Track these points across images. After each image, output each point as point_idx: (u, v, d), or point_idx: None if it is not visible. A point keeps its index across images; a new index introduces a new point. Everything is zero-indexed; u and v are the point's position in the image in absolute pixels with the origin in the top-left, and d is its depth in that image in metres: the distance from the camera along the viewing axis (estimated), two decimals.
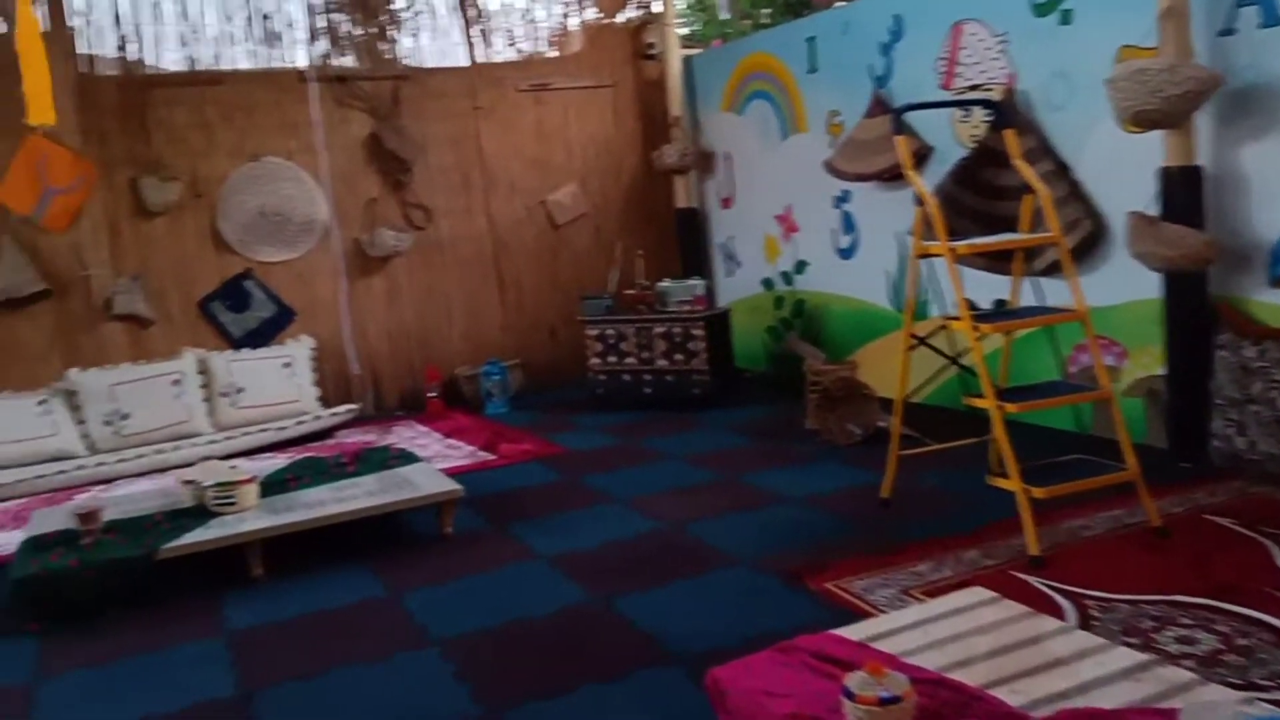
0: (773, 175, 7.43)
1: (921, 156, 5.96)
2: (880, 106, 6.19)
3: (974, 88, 5.60)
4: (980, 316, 3.79)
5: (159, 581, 3.96)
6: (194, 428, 6.69)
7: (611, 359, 6.98)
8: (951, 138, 5.75)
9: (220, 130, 7.14)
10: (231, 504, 4.29)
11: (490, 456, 5.92)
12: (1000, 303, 4.93)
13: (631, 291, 7.05)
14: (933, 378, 4.42)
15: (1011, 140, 4.11)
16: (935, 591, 3.40)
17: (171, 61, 7.08)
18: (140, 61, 6.95)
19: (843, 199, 6.74)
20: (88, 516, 4.02)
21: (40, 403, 6.45)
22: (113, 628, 3.73)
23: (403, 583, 3.94)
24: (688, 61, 8.25)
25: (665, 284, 7.04)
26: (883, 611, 3.26)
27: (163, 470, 6.23)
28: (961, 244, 3.75)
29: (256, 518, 4.21)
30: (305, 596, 3.89)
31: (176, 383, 6.73)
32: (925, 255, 3.90)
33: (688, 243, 8.26)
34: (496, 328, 8.12)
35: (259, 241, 7.29)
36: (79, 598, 3.80)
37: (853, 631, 2.63)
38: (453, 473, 5.35)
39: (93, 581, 3.81)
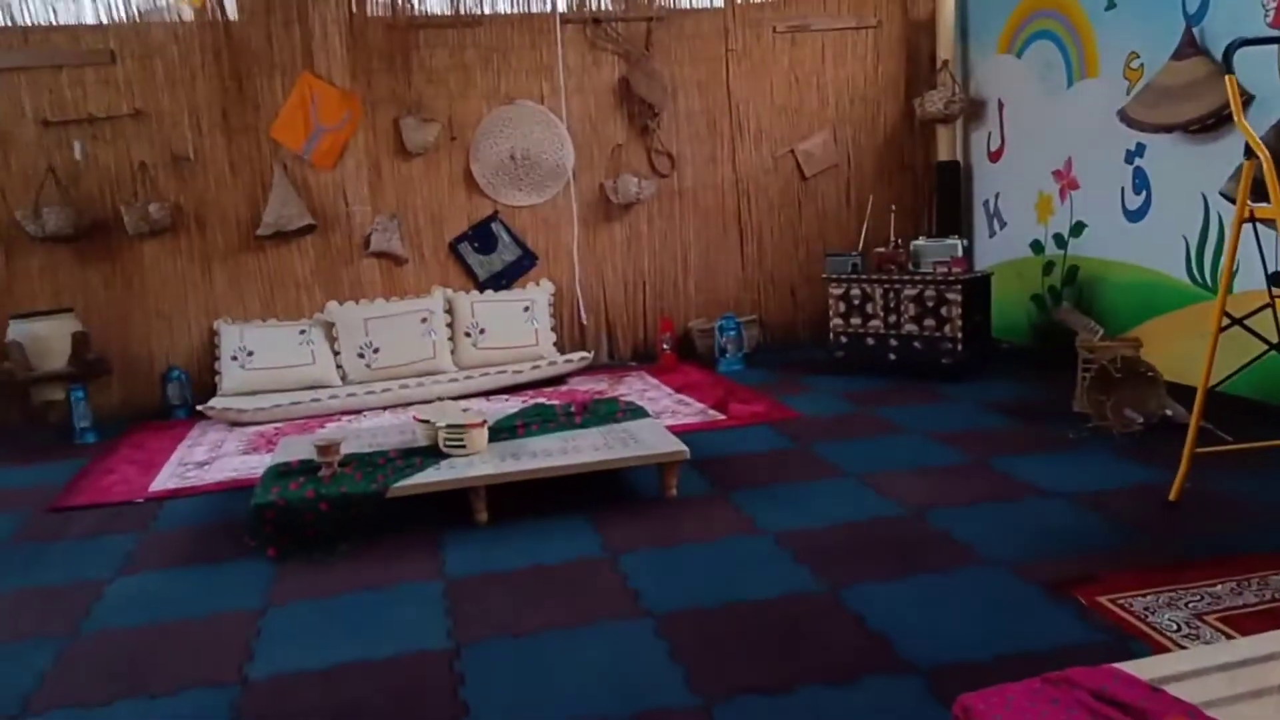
0: (1052, 125, 6.66)
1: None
2: (1192, 47, 5.34)
3: None
4: None
5: (388, 517, 4.00)
6: (438, 365, 6.86)
7: (855, 320, 6.54)
8: (1278, 82, 4.86)
9: (477, 72, 7.20)
10: (461, 446, 4.27)
11: (720, 416, 5.68)
12: None
13: (882, 249, 6.55)
14: (1247, 364, 3.73)
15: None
16: (1235, 620, 2.85)
17: (436, 3, 7.18)
18: (408, 2, 7.08)
19: (1136, 153, 5.92)
20: (327, 449, 4.10)
21: (301, 332, 6.80)
22: (342, 560, 3.78)
23: (621, 543, 3.77)
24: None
25: (920, 242, 6.50)
26: (1171, 640, 2.75)
27: (406, 405, 6.41)
28: None
29: (484, 463, 4.17)
30: (524, 546, 3.80)
31: (424, 320, 6.91)
32: (1253, 219, 3.24)
33: (947, 199, 7.60)
34: (734, 281, 7.84)
35: (507, 185, 7.34)
36: (313, 528, 3.88)
37: (1141, 668, 2.18)
38: (680, 431, 5.16)
39: (326, 514, 3.88)
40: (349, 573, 3.67)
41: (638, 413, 4.87)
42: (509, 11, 7.25)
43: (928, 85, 7.60)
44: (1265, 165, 3.08)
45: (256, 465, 5.15)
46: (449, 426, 4.27)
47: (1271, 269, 4.32)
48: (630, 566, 3.53)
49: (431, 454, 4.31)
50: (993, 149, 7.38)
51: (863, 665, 2.73)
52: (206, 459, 5.48)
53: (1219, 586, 3.08)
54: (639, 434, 4.49)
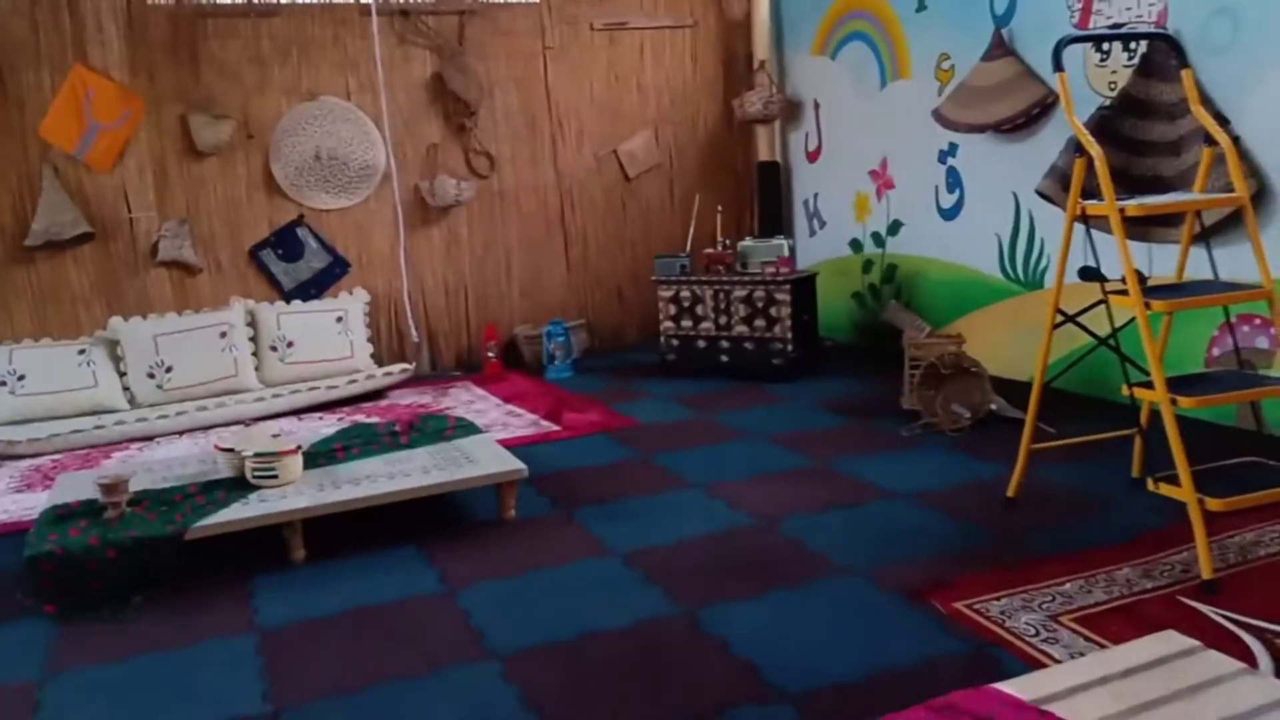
0: (868, 126, 6.78)
1: (1046, 106, 5.29)
2: (1001, 48, 5.51)
3: (1115, 27, 4.91)
4: (1150, 291, 3.17)
5: (189, 562, 3.54)
6: (240, 383, 6.30)
7: (685, 323, 6.43)
8: (1085, 84, 5.06)
9: (275, 66, 6.67)
10: (273, 477, 3.85)
11: (554, 427, 5.43)
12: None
13: (710, 250, 6.47)
14: (1078, 360, 3.80)
15: (1190, 83, 3.45)
16: (1091, 620, 2.84)
17: None
18: None
19: (949, 153, 6.08)
20: (112, 487, 3.60)
21: (80, 351, 6.10)
22: (135, 616, 3.31)
23: (458, 575, 3.47)
24: (776, 0, 7.57)
25: (747, 243, 6.45)
26: (1031, 644, 2.71)
27: (205, 428, 5.85)
28: (1132, 204, 3.12)
29: (299, 494, 3.76)
30: (348, 586, 3.44)
31: (223, 335, 6.33)
32: (1084, 217, 3.27)
33: (768, 199, 7.63)
34: (560, 285, 7.62)
35: (313, 187, 6.84)
36: (100, 580, 3.38)
37: (1023, 687, 2.09)
38: (513, 445, 4.89)
39: (115, 563, 3.39)
40: (144, 631, 3.21)
41: (468, 428, 4.56)
42: (308, 1, 6.76)
43: (746, 86, 7.61)
44: (1098, 163, 3.10)
45: (32, 506, 4.52)
46: (257, 455, 3.84)
47: (1089, 264, 4.48)
48: (471, 602, 3.24)
49: (238, 486, 3.86)
50: (810, 149, 7.46)
51: (732, 697, 2.55)
52: None
53: (1068, 585, 3.09)
54: (471, 452, 4.19)
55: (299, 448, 3.96)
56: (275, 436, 4.00)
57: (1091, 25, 5.05)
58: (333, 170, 6.83)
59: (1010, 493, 3.75)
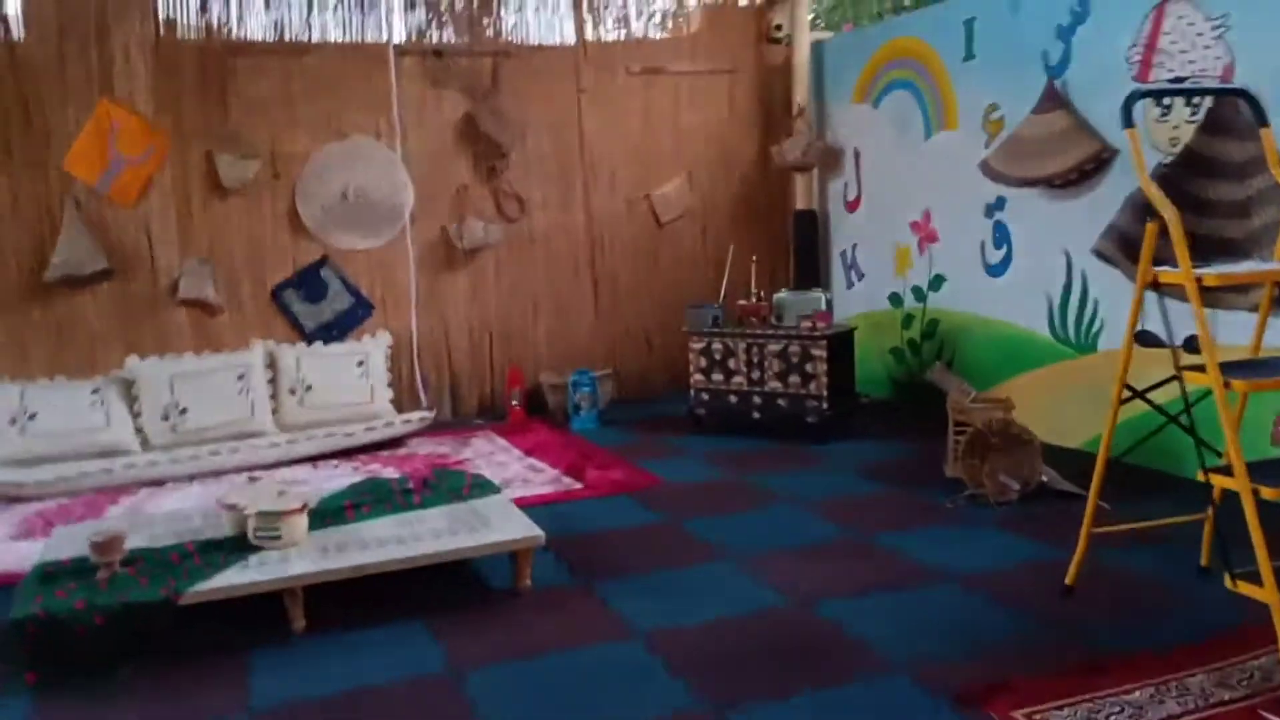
0: (910, 177, 6.55)
1: (1102, 161, 5.04)
2: (1053, 100, 5.27)
3: (1176, 80, 4.66)
4: (1228, 368, 2.89)
5: (183, 626, 3.31)
6: (256, 426, 6.11)
7: (717, 377, 6.18)
8: (1144, 139, 4.80)
9: (304, 105, 6.54)
10: (277, 537, 3.62)
11: (576, 485, 5.19)
12: (1190, 340, 4.00)
13: (744, 302, 6.24)
14: (1147, 438, 3.51)
15: (1270, 142, 3.19)
16: None
17: (256, 28, 6.50)
18: (223, 26, 6.38)
19: (997, 206, 5.83)
20: (105, 545, 3.39)
21: (94, 391, 5.93)
22: (122, 689, 3.08)
23: (465, 654, 3.22)
24: (817, 47, 7.40)
25: (783, 295, 6.22)
26: None
27: (217, 474, 5.65)
28: (1209, 273, 2.85)
29: (302, 557, 3.53)
30: (348, 663, 3.19)
31: (241, 377, 6.15)
32: (1156, 285, 3.01)
33: (804, 249, 7.40)
34: (587, 332, 7.40)
35: (339, 227, 6.69)
36: (86, 647, 3.16)
37: None
38: (532, 503, 4.65)
39: (102, 630, 3.16)
40: (130, 705, 2.98)
41: (486, 487, 4.32)
42: (340, 40, 6.65)
43: (784, 132, 7.41)
44: (1173, 228, 2.84)
45: (29, 555, 4.31)
46: (261, 514, 3.62)
47: (1146, 328, 4.21)
48: (478, 688, 2.98)
49: (239, 547, 3.64)
50: (850, 199, 7.23)
51: None
52: None
53: (1137, 693, 2.79)
54: (487, 514, 3.95)
55: (304, 506, 3.73)
56: (281, 494, 3.78)
57: (1153, 78, 4.80)
58: (360, 210, 6.68)
59: (1069, 580, 3.45)
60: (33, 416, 5.74)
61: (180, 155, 6.25)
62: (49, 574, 3.44)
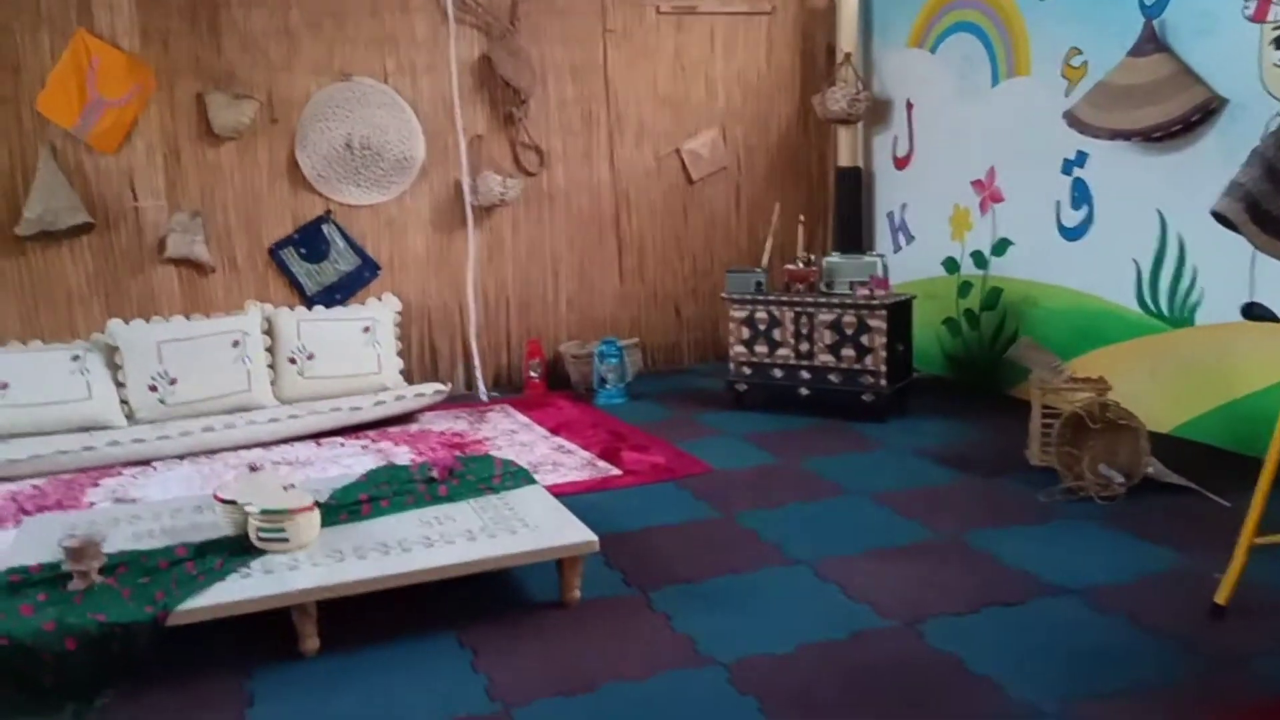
0: (972, 129, 5.96)
1: (1209, 111, 4.47)
2: (1153, 43, 4.68)
3: None
4: None
5: (172, 643, 2.78)
6: (253, 399, 5.55)
7: (760, 348, 5.62)
8: (1259, 86, 4.24)
9: (305, 40, 5.91)
10: (283, 540, 3.08)
11: (612, 470, 4.64)
12: None
13: (792, 267, 5.67)
14: None
15: None
16: None
17: None
18: None
19: (1076, 162, 5.26)
20: (80, 551, 2.84)
21: (74, 358, 5.35)
22: (95, 718, 2.56)
23: (511, 685, 2.69)
24: None
25: (833, 259, 5.65)
26: None
27: (211, 452, 5.10)
28: None
29: (313, 565, 2.99)
30: (371, 690, 2.68)
31: (236, 344, 5.58)
32: None
33: (847, 209, 6.83)
34: (612, 298, 6.83)
35: (342, 179, 6.08)
36: (56, 675, 2.62)
37: None
38: (566, 491, 4.13)
39: (74, 656, 2.62)
40: None
41: (519, 476, 3.77)
42: None
43: (826, 81, 6.80)
44: None
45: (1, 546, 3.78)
46: (264, 512, 3.07)
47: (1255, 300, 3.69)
48: None
49: (239, 550, 3.10)
50: (900, 155, 6.64)
51: None
52: None
53: None
54: (525, 511, 3.41)
55: (314, 504, 3.18)
56: (289, 489, 3.22)
57: (1272, 17, 4.21)
58: (365, 161, 6.07)
59: (1220, 599, 2.93)
60: (5, 387, 5.16)
61: (167, 95, 5.63)
62: (14, 583, 2.89)
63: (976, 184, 5.97)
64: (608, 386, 6.09)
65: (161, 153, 5.64)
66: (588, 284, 6.75)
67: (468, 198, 5.81)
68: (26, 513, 4.24)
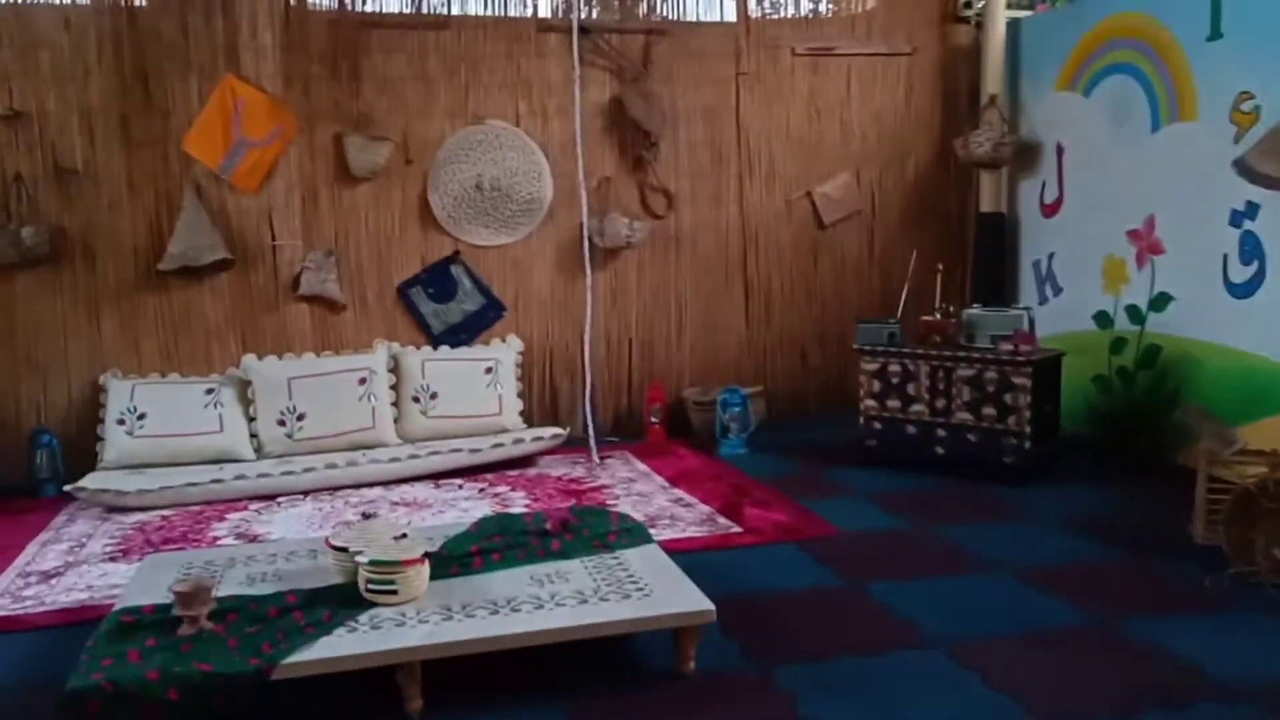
0: (1129, 176, 5.58)
1: None
2: None
3: None
4: None
5: (274, 698, 2.71)
6: (377, 436, 5.58)
7: (893, 403, 5.35)
8: None
9: (441, 85, 5.98)
10: (392, 592, 2.99)
11: (733, 527, 4.44)
12: None
13: (929, 318, 5.38)
14: None
15: None
16: None
17: None
18: None
19: (1246, 214, 4.84)
20: (190, 597, 2.81)
21: (209, 391, 5.49)
22: None
23: None
24: (1013, 25, 6.46)
25: (975, 311, 5.34)
26: None
27: (333, 489, 5.12)
28: None
29: (421, 621, 2.89)
30: None
31: (363, 381, 5.63)
32: None
33: (988, 258, 6.50)
34: (736, 343, 6.66)
35: (472, 220, 6.10)
36: None
37: None
38: (684, 548, 3.96)
39: (176, 705, 2.57)
40: None
41: (635, 533, 3.61)
42: (481, 13, 6.05)
43: (968, 124, 6.51)
44: None
45: (121, 582, 3.83)
46: (374, 563, 2.99)
47: None
48: None
49: (348, 601, 3.02)
50: (1047, 201, 6.28)
51: None
52: (59, 566, 4.14)
53: None
54: (640, 573, 3.24)
55: (425, 557, 3.09)
56: (400, 539, 3.14)
57: None
58: (495, 202, 6.08)
59: None
60: (142, 417, 5.32)
61: (306, 137, 5.76)
62: (125, 625, 2.88)
63: (1133, 234, 5.57)
64: (730, 436, 5.90)
65: (299, 193, 5.77)
66: (712, 328, 6.59)
67: (586, 240, 5.75)
68: (152, 545, 4.32)
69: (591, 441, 5.60)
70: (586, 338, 5.56)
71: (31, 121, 5.38)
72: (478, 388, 5.84)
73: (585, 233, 5.60)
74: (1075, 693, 2.84)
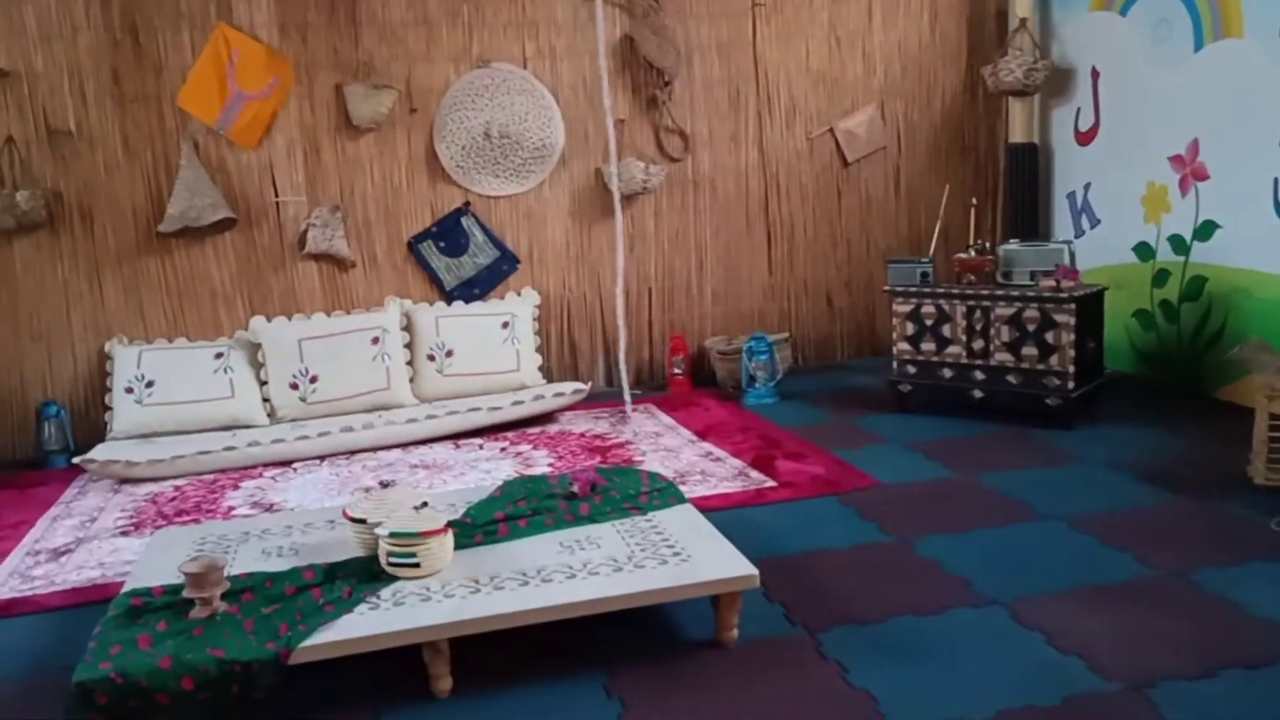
0: (1170, 100, 5.28)
1: None
2: None
3: None
4: None
5: (291, 679, 2.55)
6: (392, 397, 5.41)
7: (927, 345, 5.12)
8: None
9: (444, 27, 5.71)
10: (414, 565, 2.82)
11: (767, 481, 4.25)
12: None
13: (964, 255, 5.14)
14: None
15: None
16: None
17: None
18: None
19: None
20: (201, 578, 2.64)
21: (218, 355, 5.31)
22: None
23: None
24: None
25: (1013, 246, 5.10)
26: None
27: (350, 454, 4.95)
28: None
29: (446, 597, 2.72)
30: None
31: (376, 341, 5.44)
32: None
33: (1021, 190, 6.22)
34: (760, 289, 6.43)
35: (481, 169, 5.86)
36: (169, 718, 2.42)
37: None
38: (717, 506, 3.78)
39: (189, 696, 2.41)
40: None
41: (666, 492, 3.43)
42: None
43: (998, 50, 6.20)
44: None
45: (133, 558, 3.68)
46: (395, 535, 2.82)
47: None
48: None
49: (368, 575, 2.86)
50: (1083, 129, 5.98)
51: None
52: (70, 542, 3.99)
53: None
54: (676, 536, 3.06)
55: (448, 527, 2.91)
56: (420, 508, 2.97)
57: None
58: (504, 150, 5.84)
59: None
60: (150, 384, 5.15)
61: (306, 88, 5.51)
62: (135, 609, 2.72)
63: (1175, 160, 5.29)
64: (757, 385, 5.69)
65: (301, 147, 5.54)
66: (734, 275, 6.36)
67: (615, 178, 5.49)
68: (165, 517, 4.17)
69: (626, 395, 5.38)
70: (619, 287, 5.30)
71: (20, 81, 5.15)
72: (494, 344, 5.65)
73: (614, 167, 5.28)
74: (1150, 653, 2.65)
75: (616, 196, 5.28)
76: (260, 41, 5.35)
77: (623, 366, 5.39)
